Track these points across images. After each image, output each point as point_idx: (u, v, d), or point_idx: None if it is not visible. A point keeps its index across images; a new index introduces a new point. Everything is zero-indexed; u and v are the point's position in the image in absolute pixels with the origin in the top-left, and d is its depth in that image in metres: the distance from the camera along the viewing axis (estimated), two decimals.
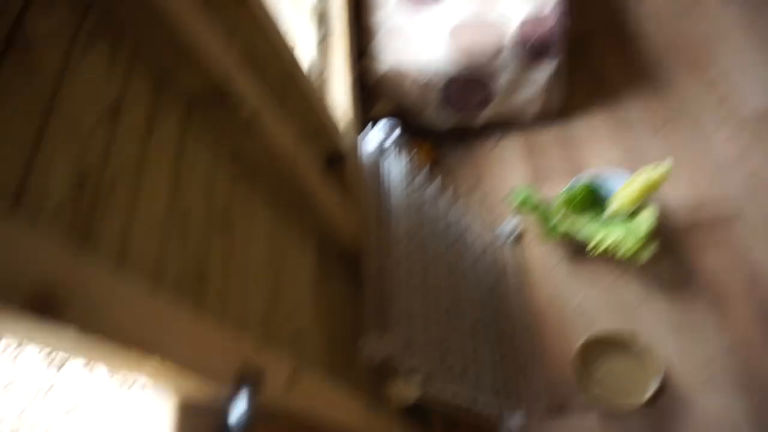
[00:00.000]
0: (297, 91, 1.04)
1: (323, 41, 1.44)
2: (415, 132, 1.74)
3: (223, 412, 0.56)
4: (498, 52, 1.52)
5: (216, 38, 0.73)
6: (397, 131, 1.24)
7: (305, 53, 1.33)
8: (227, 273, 0.71)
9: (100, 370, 0.56)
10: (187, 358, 0.51)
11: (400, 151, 1.24)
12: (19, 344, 0.52)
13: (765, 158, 1.52)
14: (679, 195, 1.52)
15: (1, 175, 0.44)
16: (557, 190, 1.50)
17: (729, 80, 1.67)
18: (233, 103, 0.75)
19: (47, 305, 0.39)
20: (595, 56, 1.85)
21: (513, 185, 1.66)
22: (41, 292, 0.39)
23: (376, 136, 1.23)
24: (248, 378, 0.58)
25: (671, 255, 1.44)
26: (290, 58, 1.02)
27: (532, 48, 1.51)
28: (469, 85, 1.58)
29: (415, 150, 1.68)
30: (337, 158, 1.14)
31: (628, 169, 1.57)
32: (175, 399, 0.56)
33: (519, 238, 1.56)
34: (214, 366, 0.54)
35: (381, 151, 1.22)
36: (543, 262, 1.52)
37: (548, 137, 1.73)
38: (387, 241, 1.10)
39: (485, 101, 1.64)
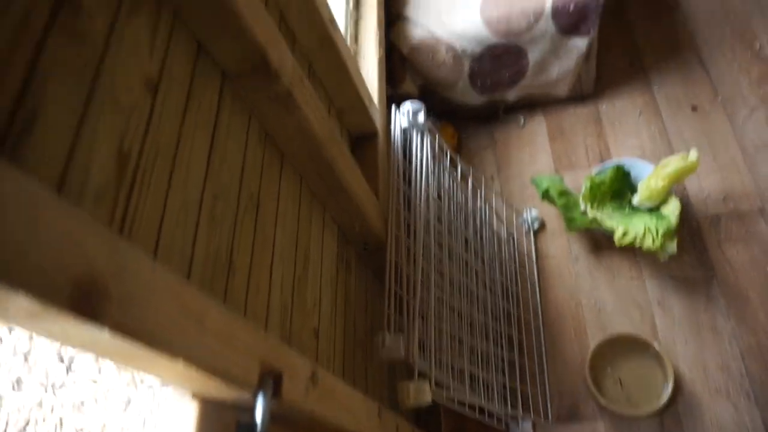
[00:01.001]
0: (334, 58, 0.99)
1: (356, 10, 1.37)
2: (440, 112, 1.68)
3: (244, 413, 0.53)
4: (537, 18, 1.44)
5: (258, 3, 0.68)
6: (423, 113, 1.19)
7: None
8: (253, 262, 0.67)
9: (109, 368, 0.52)
10: (212, 359, 0.47)
11: (425, 134, 1.19)
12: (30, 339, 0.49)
13: None
14: (705, 186, 1.47)
15: (48, 153, 0.41)
16: (582, 176, 1.46)
17: None
18: (271, 74, 0.70)
19: (88, 303, 0.35)
20: (630, 29, 1.78)
21: (538, 170, 1.62)
22: (83, 288, 0.35)
23: (403, 118, 1.18)
24: (269, 380, 0.55)
25: (693, 250, 1.41)
26: (330, 20, 0.96)
27: (571, 17, 1.43)
28: (503, 56, 1.51)
29: (439, 132, 1.63)
30: (366, 137, 1.09)
31: (656, 154, 1.52)
32: (196, 399, 0.52)
33: (541, 228, 1.53)
34: (236, 367, 0.51)
35: (407, 133, 1.17)
36: (564, 253, 1.49)
37: (575, 119, 1.67)
38: (409, 231, 1.06)
39: (516, 77, 1.57)
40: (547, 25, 1.45)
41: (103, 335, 0.37)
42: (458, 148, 1.69)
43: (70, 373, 0.54)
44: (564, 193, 1.42)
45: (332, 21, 0.96)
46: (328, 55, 0.96)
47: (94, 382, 0.54)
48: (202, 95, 0.64)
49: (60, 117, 0.43)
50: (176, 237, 0.54)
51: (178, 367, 0.45)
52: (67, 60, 0.45)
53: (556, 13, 1.43)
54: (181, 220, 0.55)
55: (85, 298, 0.35)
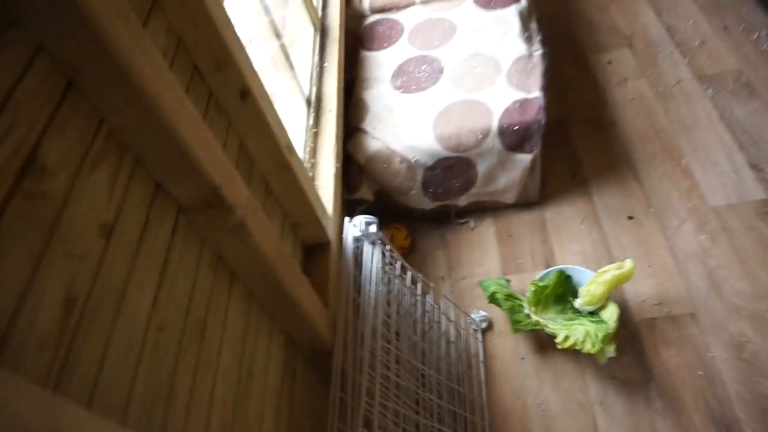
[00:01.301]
0: (290, 180, 1.07)
1: (315, 125, 1.48)
2: (394, 215, 1.77)
3: None
4: (484, 136, 1.58)
5: (216, 146, 0.76)
6: (375, 226, 1.27)
7: (296, 137, 1.36)
8: (196, 385, 0.71)
9: None
10: None
11: (376, 244, 1.27)
12: None
13: (723, 257, 1.59)
14: (641, 291, 1.57)
15: None
16: (528, 279, 1.54)
17: (696, 175, 1.77)
18: (225, 209, 0.77)
19: None
20: (571, 143, 1.95)
21: (486, 271, 1.70)
22: None
23: (355, 229, 1.26)
24: None
25: (632, 352, 1.48)
26: (287, 147, 1.05)
27: (515, 136, 1.58)
28: (453, 167, 1.63)
29: (392, 235, 1.72)
30: (319, 246, 1.16)
31: (597, 259, 1.63)
32: None
33: (488, 329, 1.59)
34: None
35: (359, 243, 1.24)
36: (511, 354, 1.55)
37: (522, 224, 1.79)
38: (356, 338, 1.11)
39: (466, 186, 1.70)
40: (493, 142, 1.58)
41: None
42: (411, 249, 1.77)
43: None
44: (510, 297, 1.50)
45: (289, 147, 1.05)
46: (284, 178, 1.05)
47: None
48: (157, 230, 0.71)
49: (12, 271, 0.48)
50: (116, 376, 0.58)
51: None
52: (26, 218, 0.50)
53: (502, 132, 1.57)
54: (123, 358, 0.59)
55: None
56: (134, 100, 0.60)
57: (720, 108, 1.91)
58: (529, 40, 1.78)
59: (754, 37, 2.08)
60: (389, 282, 1.28)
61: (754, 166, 1.74)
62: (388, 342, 1.18)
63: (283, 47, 1.42)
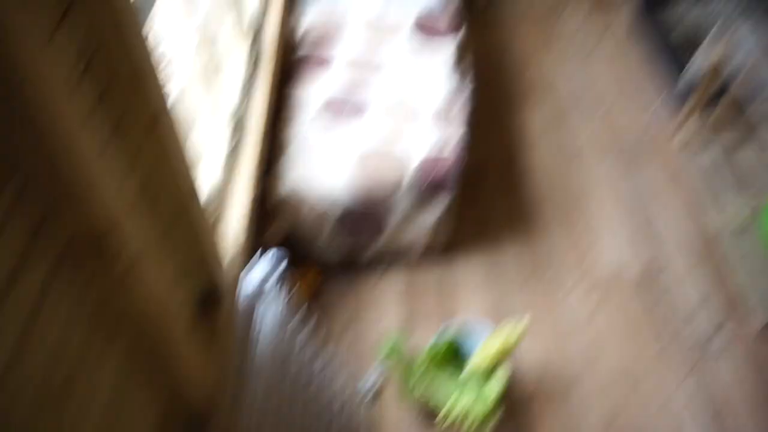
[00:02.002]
0: (187, 223, 0.99)
1: (234, 150, 1.40)
2: (304, 257, 1.72)
3: None
4: (397, 187, 1.57)
5: (113, 176, 0.67)
6: (283, 265, 1.20)
7: (213, 162, 1.28)
8: None
9: None
10: None
11: (281, 288, 1.20)
12: None
13: (607, 324, 1.67)
14: (530, 357, 1.61)
15: None
16: (427, 336, 1.54)
17: (589, 239, 1.86)
18: (111, 254, 0.68)
19: None
20: (482, 196, 1.99)
21: (387, 326, 1.69)
22: None
23: (260, 270, 1.18)
24: None
25: (513, 423, 1.51)
26: (189, 187, 0.97)
27: (428, 187, 1.59)
28: (363, 218, 1.62)
29: (300, 278, 1.66)
30: (213, 297, 1.08)
31: (495, 318, 1.67)
32: None
33: (379, 393, 1.56)
34: None
35: (261, 290, 1.17)
36: (397, 424, 1.52)
37: (427, 277, 1.79)
38: (241, 403, 1.03)
39: (375, 236, 1.68)
40: (404, 196, 1.59)
41: None
42: (321, 290, 1.72)
43: None
44: (404, 357, 1.48)
45: (192, 192, 0.97)
46: (184, 222, 0.97)
47: None
48: (30, 274, 0.60)
49: None
50: None
51: None
52: None
53: (413, 186, 1.58)
54: None
55: None
56: None
57: (613, 175, 2.02)
58: (457, 76, 1.80)
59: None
60: (284, 339, 1.21)
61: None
62: (280, 403, 1.11)
63: (212, 64, 1.34)
